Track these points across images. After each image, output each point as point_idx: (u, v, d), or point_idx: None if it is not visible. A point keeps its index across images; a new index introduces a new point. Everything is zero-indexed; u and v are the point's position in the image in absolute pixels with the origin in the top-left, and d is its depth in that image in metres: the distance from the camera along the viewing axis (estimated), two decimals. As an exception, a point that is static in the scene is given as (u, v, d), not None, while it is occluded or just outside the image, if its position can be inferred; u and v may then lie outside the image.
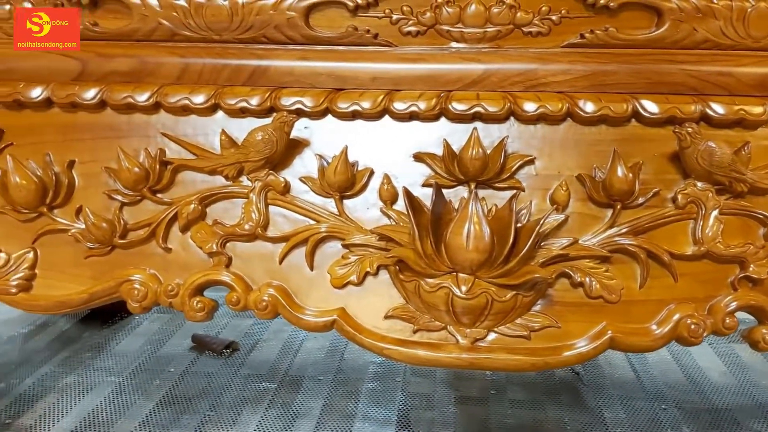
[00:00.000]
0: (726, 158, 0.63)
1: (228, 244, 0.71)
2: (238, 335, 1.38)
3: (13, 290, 0.74)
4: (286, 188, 0.70)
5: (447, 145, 0.68)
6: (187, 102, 0.69)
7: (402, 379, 1.20)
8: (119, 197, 0.72)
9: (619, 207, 0.66)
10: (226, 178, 0.70)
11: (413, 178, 0.70)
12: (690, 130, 0.63)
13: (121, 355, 1.30)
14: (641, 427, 1.05)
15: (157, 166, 0.70)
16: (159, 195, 0.71)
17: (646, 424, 1.06)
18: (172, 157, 0.71)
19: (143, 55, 0.70)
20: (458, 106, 0.67)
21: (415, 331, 0.68)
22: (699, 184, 0.66)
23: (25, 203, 0.72)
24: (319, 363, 1.26)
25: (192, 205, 0.70)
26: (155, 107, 0.70)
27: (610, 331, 0.66)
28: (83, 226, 0.72)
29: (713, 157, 0.63)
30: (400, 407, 1.11)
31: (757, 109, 0.65)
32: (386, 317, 0.69)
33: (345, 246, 0.69)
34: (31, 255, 0.74)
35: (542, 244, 0.67)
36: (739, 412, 1.11)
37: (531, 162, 0.69)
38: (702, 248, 0.65)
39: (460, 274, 0.65)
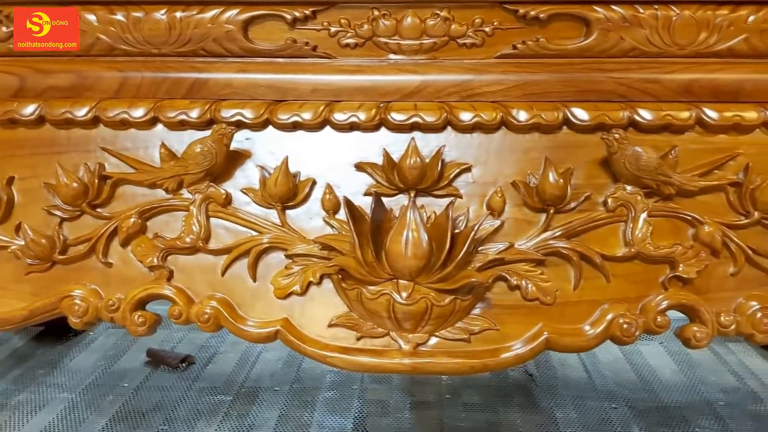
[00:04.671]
0: (652, 162, 0.65)
1: (169, 258, 0.71)
2: (195, 349, 1.37)
3: (-46, 308, 0.73)
4: (228, 200, 0.70)
5: (386, 155, 0.69)
6: (126, 116, 0.69)
7: (359, 386, 1.21)
8: (59, 213, 0.71)
9: (552, 211, 0.68)
10: (166, 191, 0.70)
11: (355, 188, 0.71)
12: (617, 136, 0.65)
13: (74, 371, 1.29)
14: (591, 426, 1.08)
15: (96, 181, 0.70)
16: (99, 210, 0.71)
17: (596, 423, 1.09)
18: (112, 172, 0.71)
19: (82, 70, 0.70)
20: (397, 117, 0.69)
21: (358, 339, 0.69)
22: (628, 187, 0.68)
23: (-36, 220, 0.71)
24: (277, 374, 1.26)
25: (132, 219, 0.70)
26: (94, 122, 0.70)
27: (546, 333, 0.68)
28: (23, 243, 0.71)
29: (640, 161, 0.65)
30: (357, 415, 1.11)
31: (684, 114, 0.67)
32: (330, 326, 0.69)
33: (288, 256, 0.70)
34: (-29, 273, 0.73)
35: (479, 249, 0.68)
36: (687, 410, 1.14)
37: (468, 170, 0.70)
38: (632, 249, 0.67)
39: (401, 281, 0.66)
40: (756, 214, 0.67)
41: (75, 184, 0.69)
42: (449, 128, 0.70)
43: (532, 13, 0.67)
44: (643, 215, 0.68)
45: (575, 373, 1.27)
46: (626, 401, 1.16)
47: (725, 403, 1.15)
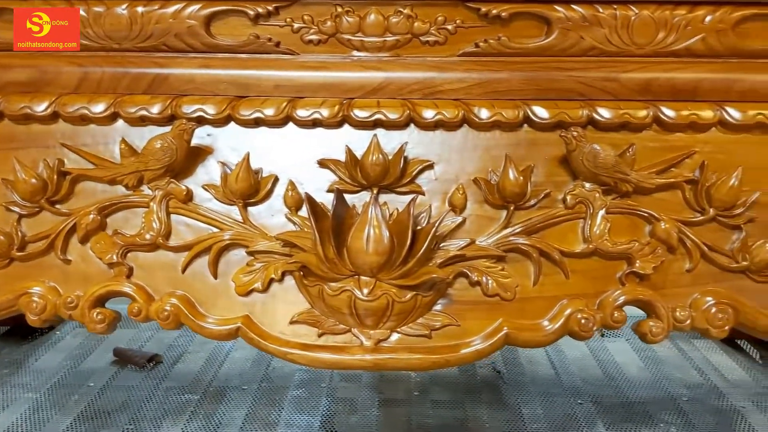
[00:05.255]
0: (609, 160, 0.66)
1: (129, 255, 0.70)
2: (163, 348, 1.36)
3: None
4: (189, 196, 0.70)
5: (349, 152, 0.69)
6: (85, 111, 0.69)
7: (327, 385, 1.21)
8: (17, 209, 0.70)
9: (512, 208, 0.69)
10: (126, 187, 0.70)
11: (318, 184, 0.71)
12: (575, 133, 0.66)
13: (40, 370, 1.27)
14: (557, 422, 1.09)
15: (56, 177, 0.69)
16: (57, 206, 0.70)
17: (561, 419, 1.10)
18: (71, 167, 0.70)
19: (42, 64, 0.69)
20: (360, 114, 0.69)
21: (320, 335, 0.69)
22: (587, 185, 0.69)
23: None
24: (245, 373, 1.26)
25: (91, 216, 0.69)
26: (53, 117, 0.70)
27: (505, 328, 0.69)
28: (-20, 240, 0.70)
29: (597, 159, 0.66)
30: (324, 413, 1.11)
31: (641, 113, 0.68)
32: (291, 322, 0.69)
33: (249, 253, 0.70)
34: (-71, 270, 0.72)
35: (441, 245, 0.69)
36: (651, 405, 1.15)
37: (430, 167, 0.70)
38: (590, 246, 0.68)
39: (362, 277, 0.67)
40: (711, 211, 0.68)
41: (33, 180, 0.69)
42: (412, 125, 0.70)
43: (494, 11, 0.67)
44: (601, 212, 0.68)
45: (543, 370, 1.28)
46: (592, 397, 1.17)
47: (688, 399, 1.17)
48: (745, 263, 0.69)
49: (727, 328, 0.69)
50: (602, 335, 1.42)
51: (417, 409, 1.13)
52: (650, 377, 1.26)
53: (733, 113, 0.68)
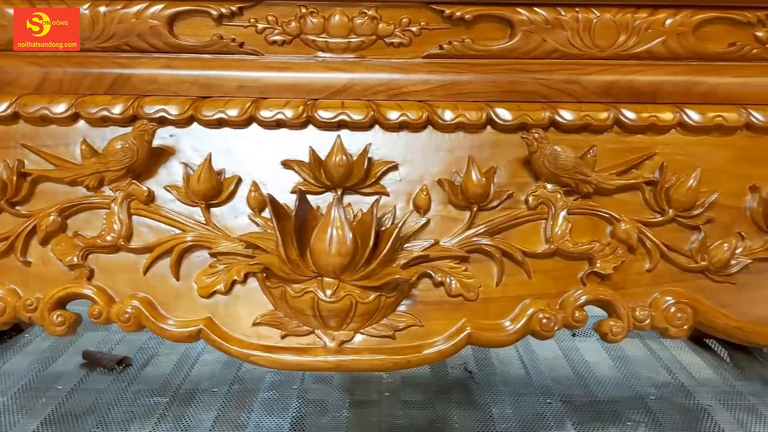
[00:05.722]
0: (570, 161, 0.67)
1: (90, 256, 0.70)
2: (133, 350, 1.34)
3: None
4: (150, 197, 0.69)
5: (312, 152, 0.69)
6: (46, 112, 0.68)
7: (299, 386, 1.20)
8: (-24, 210, 0.69)
9: (475, 209, 0.69)
10: (87, 188, 0.69)
11: (282, 186, 0.71)
12: (536, 135, 0.66)
13: (7, 374, 1.25)
14: (526, 421, 1.09)
15: (15, 178, 0.68)
16: (18, 207, 0.69)
17: (531, 418, 1.10)
18: (32, 168, 0.69)
19: (2, 65, 0.69)
20: (324, 114, 0.69)
21: (283, 337, 0.69)
22: (548, 186, 0.69)
23: None
24: (216, 375, 1.25)
25: (51, 217, 0.69)
26: (14, 117, 0.69)
27: (468, 328, 0.69)
28: (-62, 241, 0.69)
29: (558, 160, 0.67)
30: (295, 415, 1.11)
31: (602, 115, 0.69)
32: (255, 324, 0.69)
33: (212, 255, 0.69)
34: None
35: (405, 246, 0.69)
36: (620, 404, 1.17)
37: (395, 168, 0.71)
38: (552, 246, 0.69)
39: (325, 278, 0.66)
40: (671, 212, 0.69)
41: (-8, 181, 0.68)
42: (377, 127, 0.70)
43: (458, 13, 0.68)
44: (563, 213, 0.69)
45: (514, 370, 1.29)
46: (561, 397, 1.18)
47: (656, 398, 1.18)
48: (703, 263, 0.70)
49: (686, 327, 0.70)
50: (573, 335, 1.43)
51: (388, 409, 1.13)
52: (619, 376, 1.28)
53: (693, 115, 0.69)
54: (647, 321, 0.70)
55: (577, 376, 1.27)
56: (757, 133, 0.70)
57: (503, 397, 1.17)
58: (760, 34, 0.69)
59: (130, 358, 1.30)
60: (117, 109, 0.68)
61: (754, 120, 0.69)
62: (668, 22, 0.68)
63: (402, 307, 0.70)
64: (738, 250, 0.70)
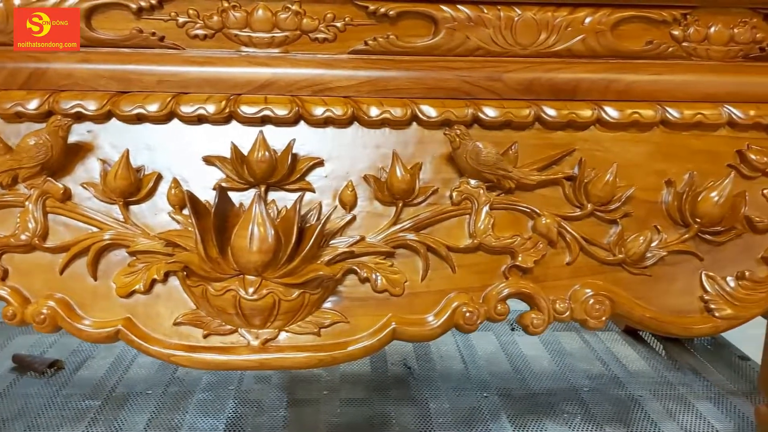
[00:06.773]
0: (491, 157, 0.68)
1: (4, 256, 0.67)
2: (66, 353, 1.31)
3: None
4: (66, 195, 0.67)
5: (234, 148, 0.68)
6: (-43, 107, 0.65)
7: (236, 387, 1.19)
8: None
9: (401, 205, 0.69)
10: (1, 186, 0.67)
11: (205, 182, 0.70)
12: (458, 131, 0.67)
13: (-69, 381, 1.21)
14: (463, 415, 1.10)
15: (-76, 176, 0.66)
16: (-73, 206, 0.67)
17: (467, 412, 1.11)
18: (-60, 166, 0.67)
19: None
20: (247, 110, 0.68)
21: (205, 336, 0.68)
22: (472, 181, 0.70)
23: None
24: (151, 377, 1.22)
25: (-38, 216, 0.66)
26: None
27: (393, 323, 0.69)
28: None
29: (480, 156, 0.67)
30: (230, 415, 1.09)
31: (524, 112, 0.70)
32: (175, 324, 0.68)
33: (131, 253, 0.68)
34: None
35: (330, 242, 0.69)
36: (554, 396, 1.19)
37: (320, 164, 0.70)
38: (475, 241, 0.70)
39: (247, 276, 0.66)
40: (589, 206, 0.71)
41: None
42: (302, 123, 0.70)
43: (382, 10, 0.68)
44: (486, 208, 0.70)
45: (453, 365, 1.30)
46: (498, 390, 1.19)
47: (590, 389, 1.21)
48: (621, 256, 0.72)
49: (604, 318, 0.71)
50: (512, 329, 1.45)
51: (326, 407, 1.12)
52: (556, 369, 1.30)
53: (611, 112, 0.70)
54: (567, 313, 0.71)
55: (514, 370, 1.29)
56: (672, 130, 0.72)
57: (441, 392, 1.18)
58: (676, 32, 0.71)
59: (62, 361, 1.26)
60: (32, 105, 0.66)
61: (669, 117, 0.71)
62: (587, 20, 0.69)
63: (328, 304, 0.70)
64: (653, 243, 0.72)
